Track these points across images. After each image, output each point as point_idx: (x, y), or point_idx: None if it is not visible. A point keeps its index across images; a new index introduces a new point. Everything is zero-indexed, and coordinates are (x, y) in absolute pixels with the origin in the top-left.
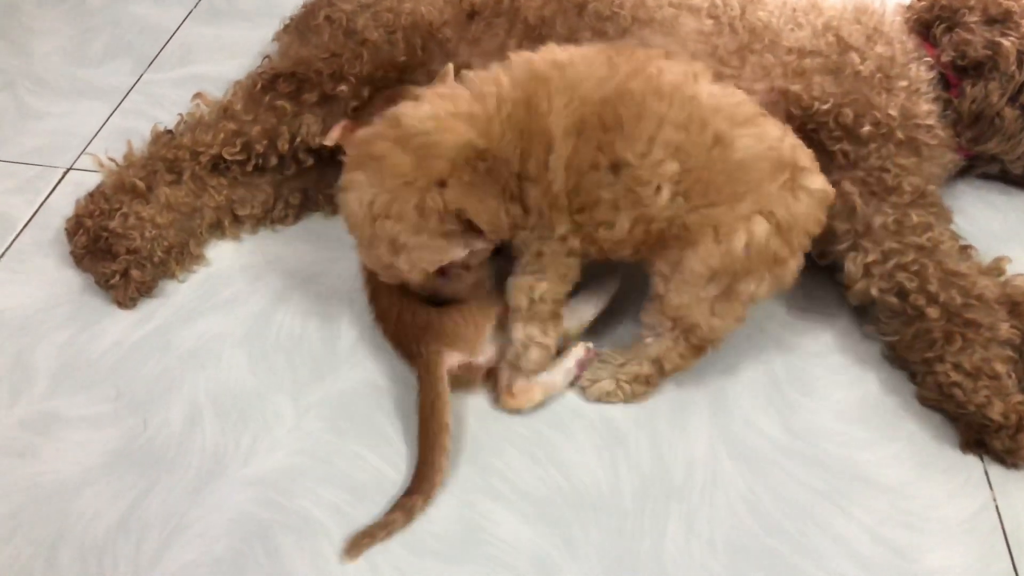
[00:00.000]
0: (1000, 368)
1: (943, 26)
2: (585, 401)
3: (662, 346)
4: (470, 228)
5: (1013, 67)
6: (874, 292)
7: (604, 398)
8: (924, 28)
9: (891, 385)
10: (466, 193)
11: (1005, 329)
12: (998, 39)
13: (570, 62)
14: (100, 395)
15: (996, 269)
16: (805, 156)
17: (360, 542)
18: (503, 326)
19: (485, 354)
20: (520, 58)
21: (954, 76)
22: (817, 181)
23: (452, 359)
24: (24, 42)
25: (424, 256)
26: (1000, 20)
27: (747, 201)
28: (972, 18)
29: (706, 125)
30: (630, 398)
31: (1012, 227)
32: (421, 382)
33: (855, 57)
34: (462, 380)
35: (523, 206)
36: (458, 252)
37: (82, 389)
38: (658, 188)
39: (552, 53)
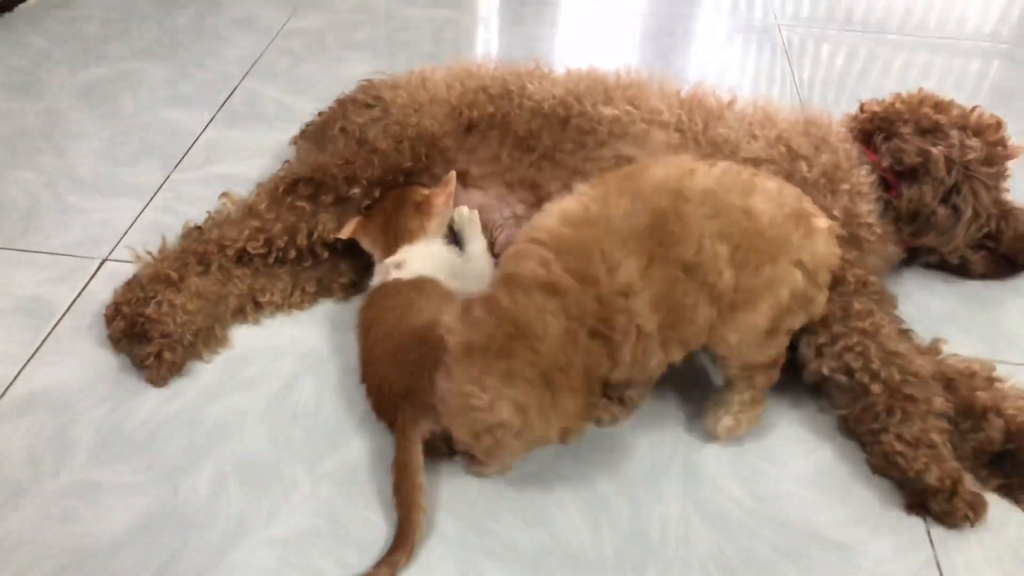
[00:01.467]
0: (936, 438)
1: (882, 136)
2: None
3: (746, 380)
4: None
5: (943, 172)
6: (825, 371)
7: (731, 431)
8: (866, 137)
9: (844, 454)
10: (581, 417)
11: (940, 403)
12: (928, 148)
13: (587, 213)
14: (135, 465)
15: (933, 349)
16: (805, 200)
17: None
18: None
19: None
20: (544, 235)
21: (894, 179)
22: (821, 221)
23: (426, 427)
24: (64, 145)
25: (511, 459)
26: (930, 131)
27: (783, 255)
28: (906, 129)
29: (729, 207)
30: (751, 424)
31: (951, 310)
32: (397, 446)
33: (803, 165)
34: (437, 449)
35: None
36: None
37: (118, 460)
38: (720, 272)
39: (562, 212)
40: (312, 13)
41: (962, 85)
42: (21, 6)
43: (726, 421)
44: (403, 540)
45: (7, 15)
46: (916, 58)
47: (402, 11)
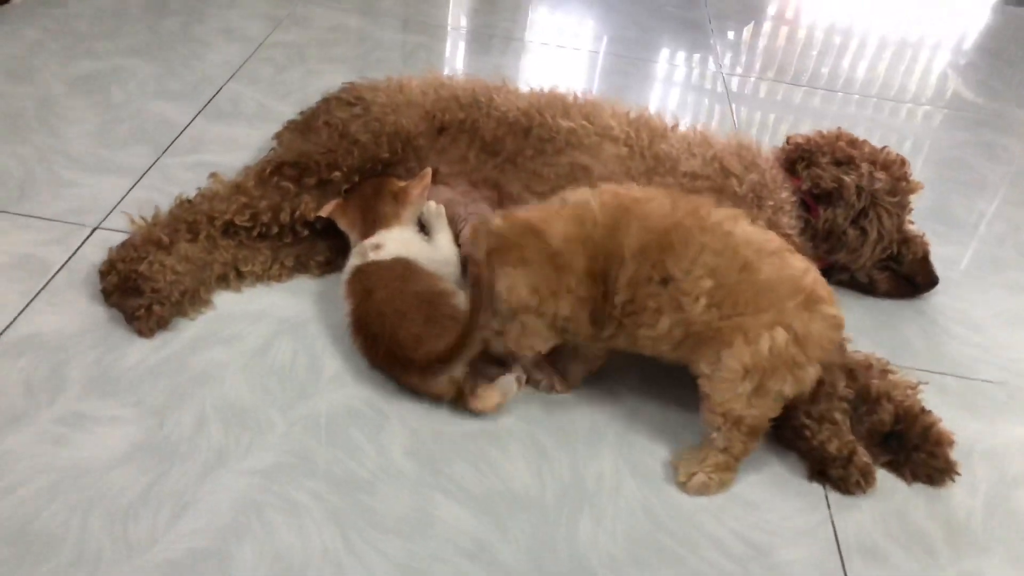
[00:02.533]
0: (838, 416)
1: (803, 163)
2: (513, 422)
3: (725, 437)
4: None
5: (854, 198)
6: None
7: (701, 489)
8: (790, 164)
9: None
10: (576, 305)
11: (842, 388)
12: (842, 176)
13: (644, 199)
14: (124, 401)
15: (840, 346)
16: (823, 289)
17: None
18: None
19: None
20: (608, 189)
21: (812, 201)
22: (830, 309)
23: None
24: (57, 127)
25: (536, 341)
26: (845, 162)
27: (769, 313)
28: (824, 159)
29: (737, 253)
30: (721, 486)
31: (860, 322)
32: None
33: (734, 181)
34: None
35: (603, 299)
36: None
37: (109, 396)
38: (696, 298)
39: (632, 191)
40: (293, 29)
41: (903, 142)
42: (15, 0)
43: (700, 478)
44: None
45: (3, 7)
46: (860, 114)
47: (377, 33)
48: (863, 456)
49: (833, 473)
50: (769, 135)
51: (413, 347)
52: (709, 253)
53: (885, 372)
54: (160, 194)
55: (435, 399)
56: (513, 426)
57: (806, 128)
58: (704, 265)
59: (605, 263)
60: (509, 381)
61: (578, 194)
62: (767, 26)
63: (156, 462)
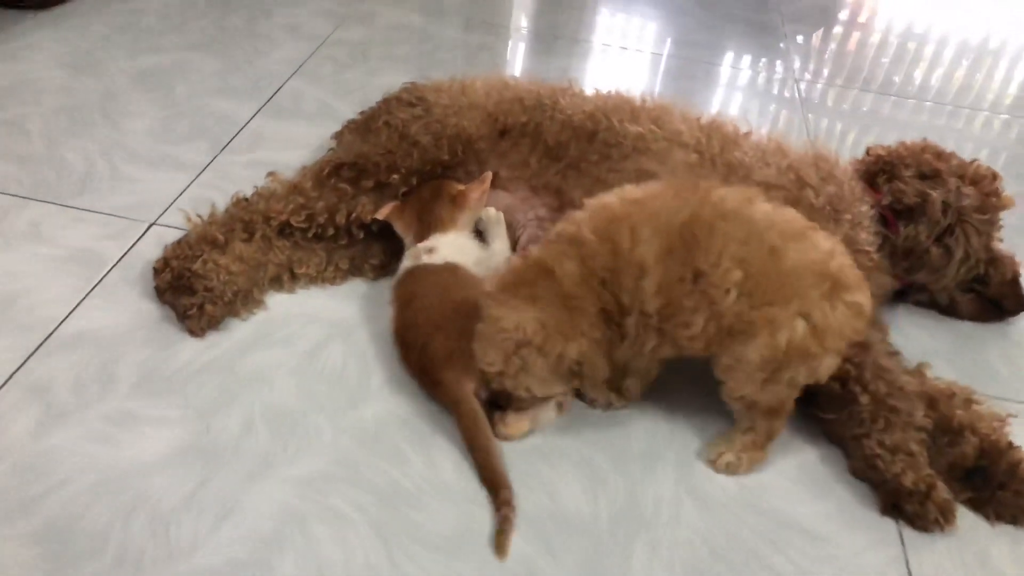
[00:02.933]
0: (915, 447)
1: (884, 176)
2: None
3: (747, 419)
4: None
5: (939, 214)
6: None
7: (730, 468)
8: (870, 177)
9: (827, 457)
10: (590, 348)
11: (920, 417)
12: (927, 191)
13: (645, 198)
14: (172, 402)
15: (919, 372)
16: (850, 273)
17: (501, 540)
18: None
19: (487, 390)
20: (597, 203)
21: (892, 217)
22: (856, 296)
23: (469, 384)
24: (120, 121)
25: (533, 383)
26: (930, 176)
27: (794, 303)
28: (908, 172)
29: (762, 239)
30: (751, 464)
31: (939, 345)
32: (453, 404)
33: (810, 193)
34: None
35: (622, 337)
36: (560, 390)
37: (157, 396)
38: (727, 291)
39: (626, 192)
40: (356, 27)
41: (977, 153)
42: None
43: (728, 456)
44: (500, 488)
45: (73, 1)
46: (934, 122)
47: (440, 33)
48: (942, 491)
49: (908, 508)
50: (837, 142)
51: (443, 362)
52: (734, 242)
53: (969, 402)
54: (218, 191)
55: None
56: (567, 444)
57: (878, 136)
58: (732, 256)
59: (618, 287)
60: (545, 409)
61: (568, 223)
62: (839, 30)
63: (201, 466)
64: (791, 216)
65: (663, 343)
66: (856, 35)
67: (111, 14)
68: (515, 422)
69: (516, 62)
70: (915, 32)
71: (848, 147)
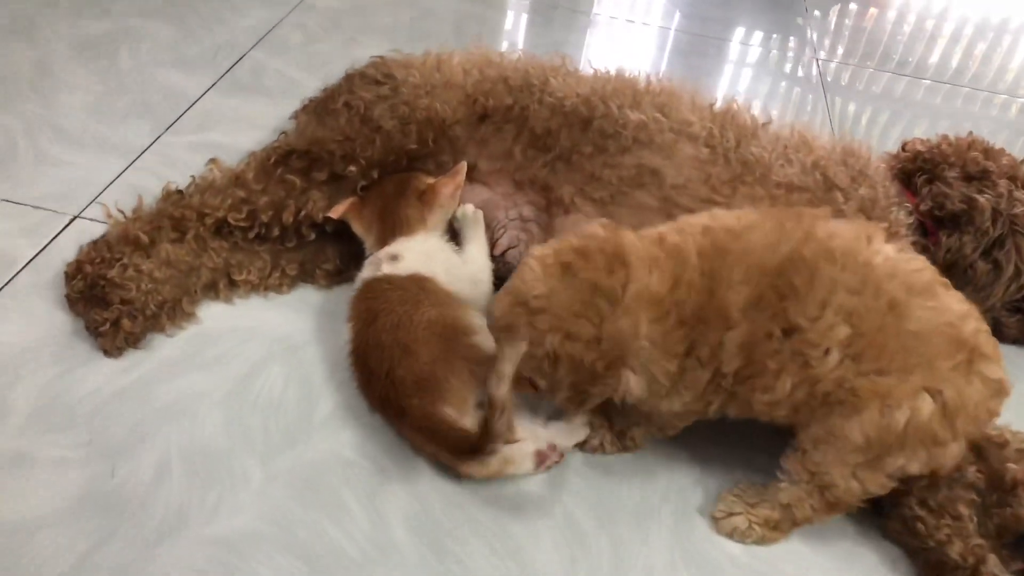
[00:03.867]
0: (963, 510)
1: (924, 177)
2: (542, 493)
3: (795, 494)
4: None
5: (988, 223)
6: None
7: (734, 534)
8: (907, 177)
9: (855, 514)
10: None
11: (971, 472)
12: (974, 195)
13: (743, 229)
14: (74, 439)
15: None
16: (988, 343)
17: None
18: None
19: (469, 418)
20: (696, 225)
21: (932, 225)
22: (996, 371)
23: (443, 413)
24: (53, 94)
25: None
26: (978, 178)
27: (917, 375)
28: (952, 173)
29: (880, 291)
30: (760, 540)
31: None
32: (423, 432)
33: (839, 196)
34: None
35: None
36: (608, 392)
37: (56, 431)
38: (827, 351)
39: (722, 219)
40: None
41: (995, 137)
42: None
43: (739, 521)
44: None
45: None
46: (951, 105)
47: (426, 1)
48: (993, 566)
49: None
50: (853, 124)
51: (411, 389)
52: (843, 291)
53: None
54: (156, 179)
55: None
56: (545, 495)
57: (901, 119)
58: (838, 308)
59: (700, 335)
60: (521, 453)
61: (674, 230)
62: (854, 7)
63: (99, 521)
64: (919, 265)
65: (729, 404)
66: (873, 11)
67: None
68: (480, 459)
69: (509, 34)
70: (934, 10)
71: (865, 129)
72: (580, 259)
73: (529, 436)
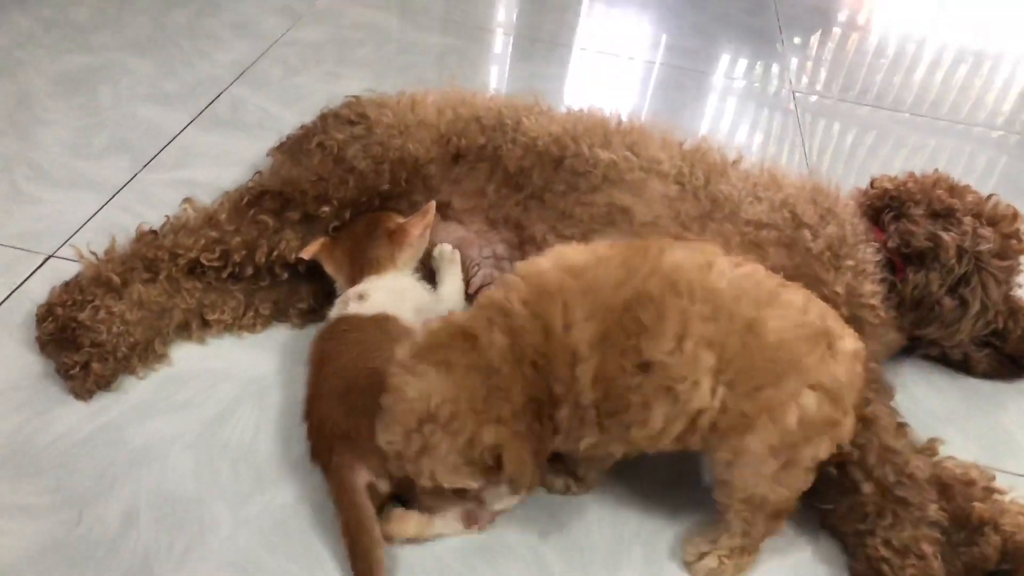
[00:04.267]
0: (927, 548)
1: (891, 214)
2: (524, 537)
3: (741, 520)
4: (498, 470)
5: (952, 260)
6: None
7: (712, 575)
8: (875, 214)
9: (824, 554)
10: (513, 439)
11: (934, 510)
12: (939, 233)
13: (585, 266)
14: (40, 485)
15: (929, 449)
16: (834, 321)
17: None
18: None
19: (388, 481)
20: (530, 269)
21: (899, 261)
22: (850, 343)
23: (361, 475)
24: (30, 130)
25: (439, 468)
26: (943, 215)
27: (791, 379)
28: (918, 211)
29: (734, 314)
30: (737, 571)
31: (951, 408)
32: (338, 496)
33: (807, 234)
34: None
35: (554, 431)
36: (474, 484)
37: (23, 476)
38: (696, 382)
39: (564, 257)
40: (315, 25)
41: (971, 172)
42: None
43: (710, 561)
44: None
45: None
46: (928, 140)
47: (408, 34)
48: None
49: None
50: (843, 165)
51: (336, 443)
52: (699, 321)
53: (990, 491)
54: (132, 217)
55: None
56: (512, 537)
57: (879, 152)
58: (699, 339)
59: (551, 374)
60: (445, 516)
61: (499, 289)
62: (837, 31)
63: (64, 571)
64: (758, 275)
65: (610, 440)
66: (854, 36)
67: (37, 5)
68: (399, 519)
69: (489, 68)
70: (914, 36)
71: (844, 162)
72: (445, 351)
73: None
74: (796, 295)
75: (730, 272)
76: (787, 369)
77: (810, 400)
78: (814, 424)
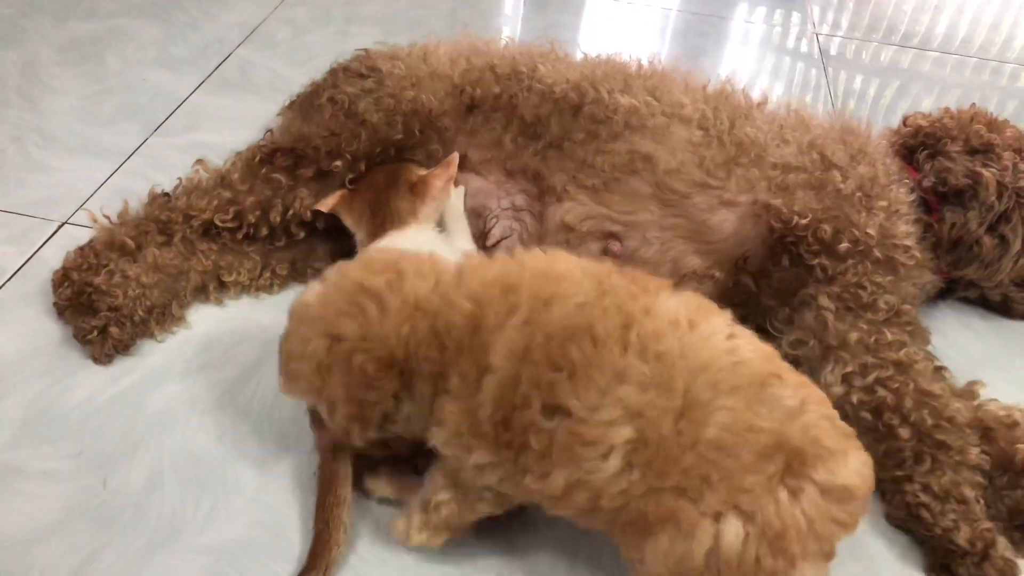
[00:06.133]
0: (968, 493)
1: (926, 152)
2: None
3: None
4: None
5: (993, 197)
6: (854, 400)
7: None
8: (908, 153)
9: None
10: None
11: (975, 454)
12: (978, 169)
13: (560, 277)
14: (64, 450)
15: (970, 393)
16: (830, 437)
17: None
18: None
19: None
20: (519, 259)
21: (935, 201)
22: (837, 473)
23: (327, 433)
24: (39, 98)
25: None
26: (981, 151)
27: (714, 494)
28: (954, 147)
29: (675, 390)
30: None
31: (990, 351)
32: (320, 456)
33: (837, 175)
34: None
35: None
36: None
37: (46, 442)
38: (606, 454)
39: (541, 261)
40: None
41: (1003, 110)
42: None
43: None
44: (315, 559)
45: None
46: (958, 78)
47: None
48: (1003, 549)
49: (962, 572)
50: (858, 100)
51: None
52: (630, 385)
53: None
54: (144, 182)
55: None
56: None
57: (907, 93)
58: (621, 403)
59: (452, 363)
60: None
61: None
62: None
63: (92, 533)
64: (756, 359)
65: (505, 478)
66: None
67: None
68: (374, 477)
69: (503, 20)
70: None
71: (871, 105)
72: (356, 269)
73: None
74: (791, 394)
75: (713, 343)
76: (715, 479)
77: (732, 530)
78: (732, 563)
